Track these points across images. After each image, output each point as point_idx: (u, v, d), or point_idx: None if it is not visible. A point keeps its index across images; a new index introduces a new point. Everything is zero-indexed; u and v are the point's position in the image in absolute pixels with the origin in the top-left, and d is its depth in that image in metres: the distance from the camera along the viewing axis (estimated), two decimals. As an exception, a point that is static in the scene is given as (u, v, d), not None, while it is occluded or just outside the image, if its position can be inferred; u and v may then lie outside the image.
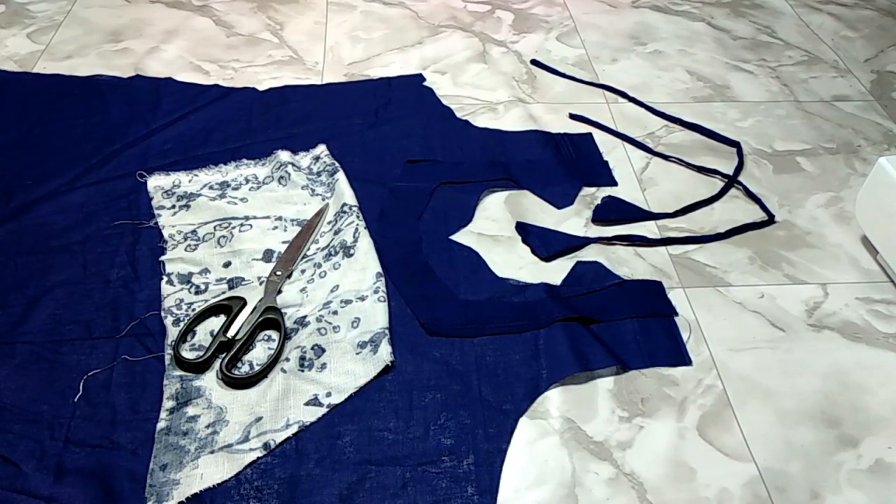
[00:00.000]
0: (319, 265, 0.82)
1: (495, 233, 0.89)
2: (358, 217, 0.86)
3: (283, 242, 0.85)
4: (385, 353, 0.73)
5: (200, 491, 0.63)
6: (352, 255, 0.82)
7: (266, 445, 0.66)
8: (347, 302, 0.78)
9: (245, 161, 0.95)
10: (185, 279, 0.80)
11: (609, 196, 0.94)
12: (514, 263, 0.85)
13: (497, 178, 0.95)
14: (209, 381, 0.71)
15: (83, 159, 0.95)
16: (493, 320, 0.78)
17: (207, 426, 0.68)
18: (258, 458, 0.66)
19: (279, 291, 0.79)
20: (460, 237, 0.88)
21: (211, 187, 0.91)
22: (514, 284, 0.82)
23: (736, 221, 0.92)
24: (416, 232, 0.87)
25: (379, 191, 0.92)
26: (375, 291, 0.78)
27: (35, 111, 1.02)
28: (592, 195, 0.95)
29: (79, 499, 0.62)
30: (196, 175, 0.93)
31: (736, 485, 0.67)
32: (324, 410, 0.69)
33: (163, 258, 0.82)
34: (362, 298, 0.78)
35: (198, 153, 0.97)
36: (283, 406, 0.69)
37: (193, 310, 0.77)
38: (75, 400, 0.69)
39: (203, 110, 1.04)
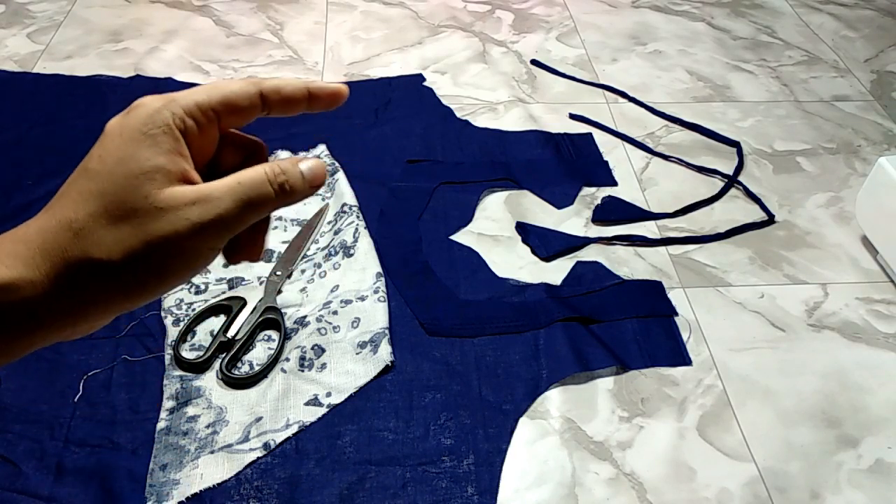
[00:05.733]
0: (319, 265, 0.82)
1: (495, 233, 0.89)
2: (358, 217, 0.86)
3: (283, 242, 0.85)
4: (385, 353, 0.73)
5: (200, 491, 0.63)
6: (352, 255, 0.82)
7: (266, 445, 0.66)
8: (347, 302, 0.78)
9: (245, 161, 0.95)
10: (185, 279, 0.80)
11: (609, 196, 0.94)
12: (514, 263, 0.85)
13: (497, 178, 0.95)
14: (209, 381, 0.71)
15: (83, 159, 0.95)
16: (493, 320, 0.78)
17: (207, 426, 0.68)
18: (258, 458, 0.66)
19: (279, 291, 0.79)
20: (460, 237, 0.88)
21: (211, 187, 0.91)
22: (514, 284, 0.82)
23: (736, 221, 0.92)
24: (416, 232, 0.87)
25: (379, 191, 0.92)
26: (375, 291, 0.78)
27: (35, 111, 1.02)
28: (592, 195, 0.95)
29: (79, 499, 0.62)
30: (196, 175, 0.92)
31: (736, 485, 0.67)
32: (324, 410, 0.69)
33: (163, 258, 0.82)
34: (362, 298, 0.78)
35: (198, 153, 0.96)
36: (283, 406, 0.69)
37: (193, 310, 0.77)
38: (75, 400, 0.69)
39: (203, 110, 1.03)
